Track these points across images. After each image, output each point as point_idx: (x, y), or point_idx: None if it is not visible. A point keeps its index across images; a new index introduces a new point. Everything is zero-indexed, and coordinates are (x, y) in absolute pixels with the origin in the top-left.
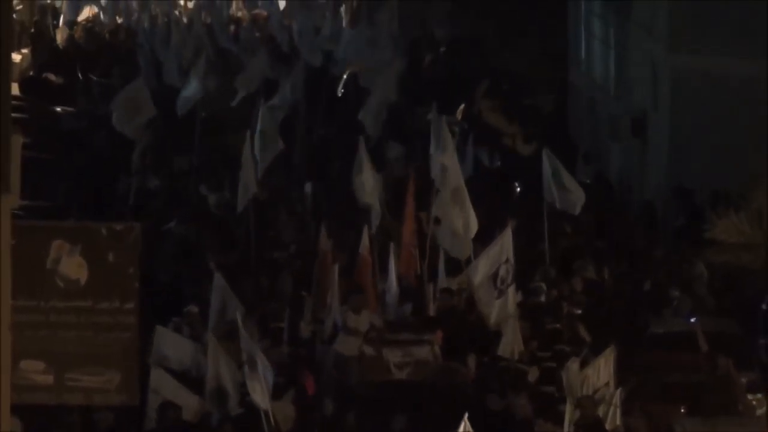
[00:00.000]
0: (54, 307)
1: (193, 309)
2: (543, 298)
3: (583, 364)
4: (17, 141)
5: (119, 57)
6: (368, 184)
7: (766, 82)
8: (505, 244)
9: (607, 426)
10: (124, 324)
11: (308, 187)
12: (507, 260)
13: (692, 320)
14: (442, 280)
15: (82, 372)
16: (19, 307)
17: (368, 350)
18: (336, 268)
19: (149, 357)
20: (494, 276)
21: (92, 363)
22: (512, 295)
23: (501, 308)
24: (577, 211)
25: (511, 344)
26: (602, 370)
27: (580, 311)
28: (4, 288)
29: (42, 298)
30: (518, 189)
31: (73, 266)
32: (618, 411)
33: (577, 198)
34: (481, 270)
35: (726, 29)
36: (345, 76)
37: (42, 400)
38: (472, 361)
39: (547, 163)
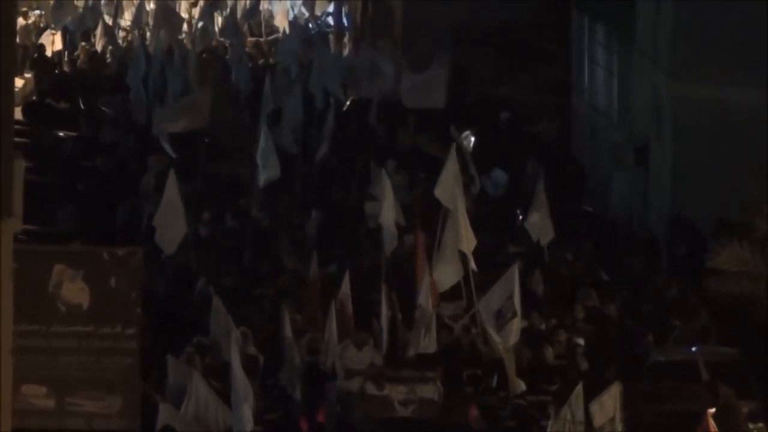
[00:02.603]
0: (56, 331)
1: (204, 340)
2: (543, 326)
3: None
4: (20, 166)
5: (121, 83)
6: (388, 209)
7: (764, 110)
8: (511, 281)
9: None
10: (125, 349)
11: (315, 215)
12: (510, 297)
13: (693, 349)
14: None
15: (84, 397)
16: (21, 332)
17: (371, 388)
18: (333, 303)
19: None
20: (498, 312)
21: (93, 388)
22: (513, 330)
23: (501, 342)
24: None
25: (511, 379)
26: (607, 405)
27: (582, 341)
28: (6, 312)
29: (44, 322)
30: (520, 217)
31: (74, 291)
32: None
33: (544, 232)
34: (492, 306)
35: (728, 58)
36: (348, 103)
37: (43, 424)
38: (474, 398)
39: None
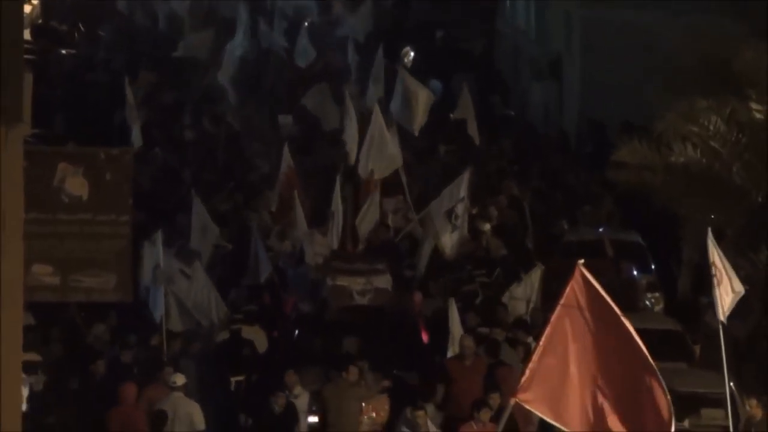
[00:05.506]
0: (60, 219)
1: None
2: (474, 212)
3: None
4: (28, 78)
5: (115, 9)
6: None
7: (660, 30)
8: (461, 184)
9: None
10: (119, 233)
11: (282, 119)
12: (463, 199)
13: (600, 230)
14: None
15: (84, 274)
16: (31, 220)
17: (331, 280)
18: (295, 194)
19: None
20: (449, 212)
21: (92, 266)
22: (463, 230)
23: (455, 240)
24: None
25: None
26: (533, 281)
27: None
28: (18, 203)
29: (50, 211)
30: (452, 116)
31: (76, 185)
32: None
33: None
34: (443, 205)
35: None
36: (306, 24)
37: (50, 298)
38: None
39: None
